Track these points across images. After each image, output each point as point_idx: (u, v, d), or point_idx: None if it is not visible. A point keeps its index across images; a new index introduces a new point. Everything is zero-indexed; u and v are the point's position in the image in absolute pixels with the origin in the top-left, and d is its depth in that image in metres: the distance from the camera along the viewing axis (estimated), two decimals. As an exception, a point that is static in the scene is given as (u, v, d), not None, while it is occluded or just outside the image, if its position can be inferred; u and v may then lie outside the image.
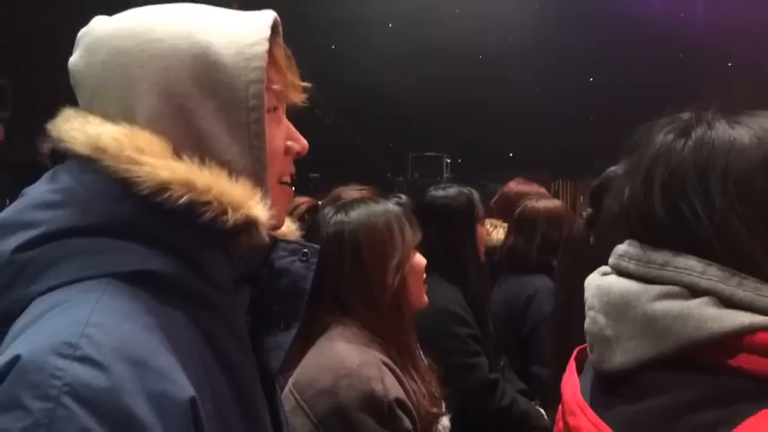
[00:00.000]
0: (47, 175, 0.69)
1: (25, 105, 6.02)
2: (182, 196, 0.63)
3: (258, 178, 0.69)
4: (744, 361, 0.61)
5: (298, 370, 1.23)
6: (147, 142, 0.65)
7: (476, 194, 2.24)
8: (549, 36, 7.50)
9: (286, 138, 0.76)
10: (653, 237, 0.69)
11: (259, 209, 0.67)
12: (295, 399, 1.18)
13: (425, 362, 1.45)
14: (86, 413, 0.53)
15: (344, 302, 1.31)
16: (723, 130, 0.68)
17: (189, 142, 0.67)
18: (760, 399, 0.59)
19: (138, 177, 0.63)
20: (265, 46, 0.69)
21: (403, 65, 7.38)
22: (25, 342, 0.57)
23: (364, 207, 1.40)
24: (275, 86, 0.73)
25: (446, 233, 2.10)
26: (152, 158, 0.64)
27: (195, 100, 0.67)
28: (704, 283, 0.64)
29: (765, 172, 0.65)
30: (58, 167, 0.69)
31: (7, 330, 0.60)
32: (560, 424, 0.79)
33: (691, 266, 0.65)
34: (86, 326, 0.57)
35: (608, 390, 0.71)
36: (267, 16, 0.72)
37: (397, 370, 1.24)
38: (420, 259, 1.42)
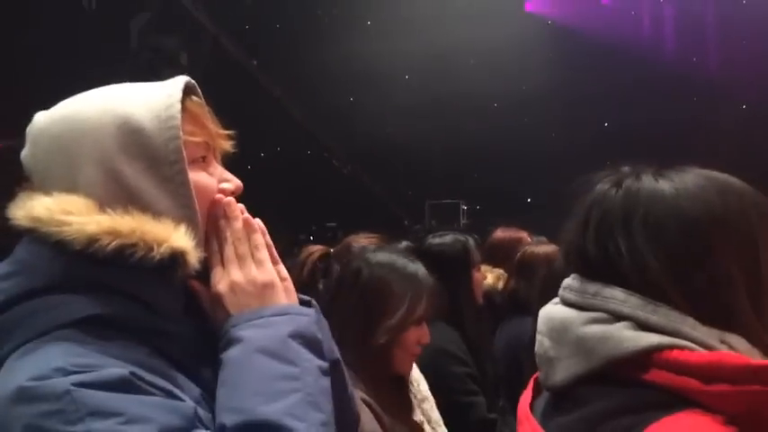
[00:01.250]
0: (11, 254, 0.79)
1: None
2: (110, 243, 0.72)
3: (190, 221, 0.78)
4: (655, 375, 0.70)
5: None
6: (73, 204, 0.75)
7: (471, 241, 2.33)
8: (563, 83, 7.64)
9: (219, 181, 0.84)
10: (588, 271, 0.80)
11: (182, 240, 0.75)
12: None
13: (417, 399, 1.51)
14: (96, 390, 0.65)
15: (341, 336, 1.38)
16: (648, 182, 0.79)
17: (121, 199, 0.76)
18: (666, 408, 0.67)
19: (69, 236, 0.73)
20: (177, 107, 0.79)
21: (420, 115, 7.56)
22: (12, 379, 0.68)
23: (396, 260, 1.45)
24: (197, 138, 0.81)
25: (443, 278, 2.19)
26: (78, 217, 0.73)
27: (123, 163, 0.76)
28: (625, 310, 0.74)
29: (678, 217, 0.76)
30: (16, 247, 0.79)
31: None
32: None
33: (615, 296, 0.75)
34: (62, 356, 0.69)
35: (552, 404, 0.81)
36: (179, 81, 0.82)
37: (375, 406, 1.30)
38: (422, 334, 1.45)
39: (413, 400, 1.77)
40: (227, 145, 0.87)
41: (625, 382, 0.72)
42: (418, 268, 1.46)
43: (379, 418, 1.28)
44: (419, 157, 7.44)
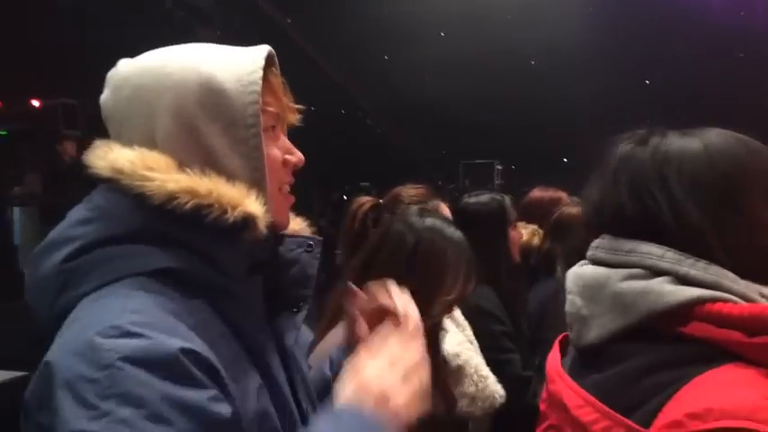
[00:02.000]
0: (86, 198, 0.83)
1: (95, 124, 6.37)
2: (188, 202, 0.76)
3: (258, 184, 0.81)
4: (696, 329, 0.70)
5: (317, 347, 1.31)
6: (156, 161, 0.78)
7: (507, 200, 2.32)
8: (603, 39, 7.44)
9: (284, 152, 0.88)
10: (621, 229, 0.80)
11: (255, 205, 0.79)
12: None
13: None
14: (140, 369, 0.66)
15: None
16: (675, 139, 0.81)
17: (198, 157, 0.79)
18: (708, 361, 0.68)
19: (150, 191, 0.76)
20: (260, 74, 0.82)
21: (455, 73, 7.46)
22: (78, 331, 0.71)
23: (444, 226, 1.39)
24: (271, 109, 0.85)
25: (479, 237, 2.19)
26: (160, 174, 0.77)
27: (202, 121, 0.79)
28: (663, 264, 0.75)
29: (711, 169, 0.77)
30: (92, 192, 0.83)
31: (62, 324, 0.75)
32: (544, 394, 0.90)
33: (652, 252, 0.76)
34: (124, 312, 0.71)
35: (584, 363, 0.82)
36: (262, 50, 0.85)
37: None
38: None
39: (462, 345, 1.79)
40: (296, 119, 0.91)
41: (664, 338, 0.72)
42: (461, 234, 1.41)
43: None
44: (453, 117, 7.37)
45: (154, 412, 0.65)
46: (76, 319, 0.73)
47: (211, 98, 0.80)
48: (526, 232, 2.78)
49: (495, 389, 1.77)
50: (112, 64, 0.86)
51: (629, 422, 0.68)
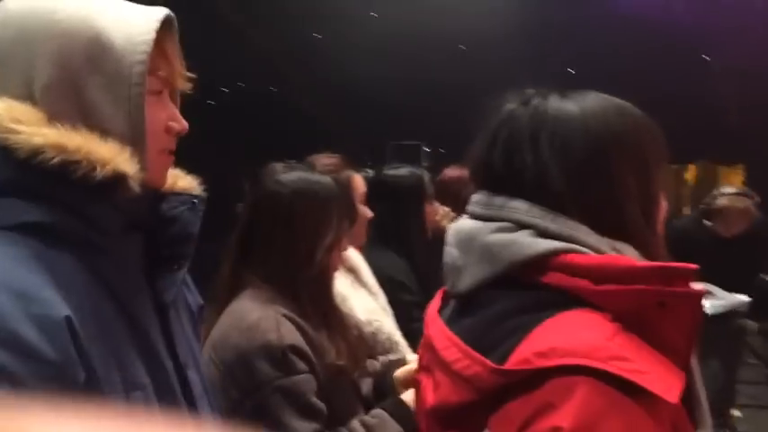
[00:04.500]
0: None
1: None
2: (54, 157, 0.74)
3: (136, 143, 0.80)
4: (551, 278, 0.77)
5: (213, 331, 1.36)
6: (24, 113, 0.76)
7: (426, 175, 2.40)
8: (530, 27, 7.60)
9: (168, 118, 0.87)
10: (494, 186, 0.86)
11: (126, 164, 0.78)
12: (210, 354, 1.33)
13: (349, 323, 1.56)
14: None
15: (270, 264, 1.39)
16: (555, 102, 0.85)
17: (75, 111, 0.78)
18: (561, 306, 0.74)
19: (15, 144, 0.74)
20: (152, 36, 0.81)
21: (384, 54, 7.48)
22: None
23: (307, 177, 1.43)
24: (160, 73, 0.85)
25: (396, 209, 2.26)
26: (27, 127, 0.75)
27: (85, 73, 0.78)
28: (526, 219, 0.81)
29: (583, 133, 0.82)
30: None
31: None
32: (423, 340, 0.96)
33: (519, 207, 0.82)
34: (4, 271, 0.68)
35: (459, 309, 0.88)
36: (159, 12, 0.84)
37: (302, 322, 1.34)
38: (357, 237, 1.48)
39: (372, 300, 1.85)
40: (187, 86, 0.90)
41: (525, 286, 0.79)
42: (326, 178, 1.47)
43: (302, 331, 1.34)
44: (382, 98, 7.40)
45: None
46: None
47: (99, 53, 0.78)
48: (438, 213, 2.85)
49: (405, 353, 1.84)
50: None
51: (485, 360, 0.74)
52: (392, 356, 1.83)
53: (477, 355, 0.76)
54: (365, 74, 7.36)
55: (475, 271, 0.83)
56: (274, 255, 1.39)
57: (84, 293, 0.75)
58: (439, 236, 2.60)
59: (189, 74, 0.90)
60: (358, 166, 2.11)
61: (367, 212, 1.95)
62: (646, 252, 0.81)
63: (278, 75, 7.02)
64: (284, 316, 1.32)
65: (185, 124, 0.89)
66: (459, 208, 2.69)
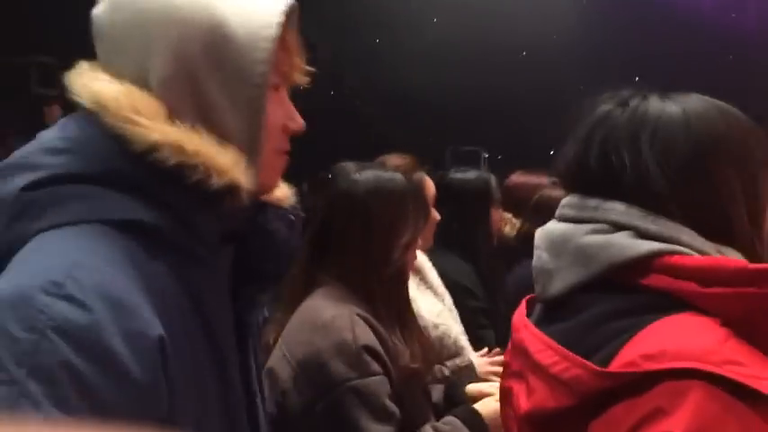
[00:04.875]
0: (59, 122, 0.74)
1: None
2: (171, 158, 0.68)
3: (252, 150, 0.74)
4: (654, 280, 0.73)
5: (288, 325, 1.36)
6: (144, 104, 0.70)
7: (493, 179, 2.36)
8: (594, 33, 7.46)
9: (285, 116, 0.80)
10: (588, 187, 0.83)
11: (242, 176, 0.72)
12: (281, 350, 1.32)
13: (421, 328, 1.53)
14: (67, 346, 0.58)
15: (345, 263, 1.38)
16: (655, 102, 0.82)
17: (192, 108, 0.71)
18: (664, 310, 0.71)
19: (131, 136, 0.68)
20: (276, 30, 0.73)
21: (445, 60, 7.45)
22: (19, 276, 0.63)
23: (381, 174, 1.41)
24: (281, 67, 0.78)
25: (462, 213, 2.23)
26: (146, 120, 0.69)
27: (204, 68, 0.71)
28: (624, 219, 0.77)
29: (686, 134, 0.78)
30: (68, 117, 0.74)
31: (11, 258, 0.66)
32: (509, 346, 0.93)
33: (616, 208, 0.79)
34: (72, 267, 0.63)
35: (549, 314, 0.85)
36: (283, 2, 0.76)
37: (375, 323, 1.32)
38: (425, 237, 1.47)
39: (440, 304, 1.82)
40: (304, 81, 0.83)
41: (624, 289, 0.75)
42: (399, 175, 1.44)
43: (376, 332, 1.32)
44: (442, 103, 7.36)
45: (63, 397, 0.58)
46: (22, 261, 0.65)
47: (218, 45, 0.71)
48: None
49: (472, 359, 1.81)
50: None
51: (587, 362, 0.71)
52: (458, 361, 1.80)
53: (578, 357, 0.73)
54: (424, 79, 7.34)
55: (568, 274, 0.80)
56: (350, 254, 1.37)
57: (174, 306, 0.70)
58: (502, 243, 2.59)
59: (308, 68, 0.83)
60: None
61: (435, 215, 1.93)
62: (751, 256, 0.77)
63: (337, 78, 7.07)
64: (358, 315, 1.31)
65: (302, 122, 0.83)
66: (522, 214, 2.65)
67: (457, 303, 2.05)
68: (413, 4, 7.55)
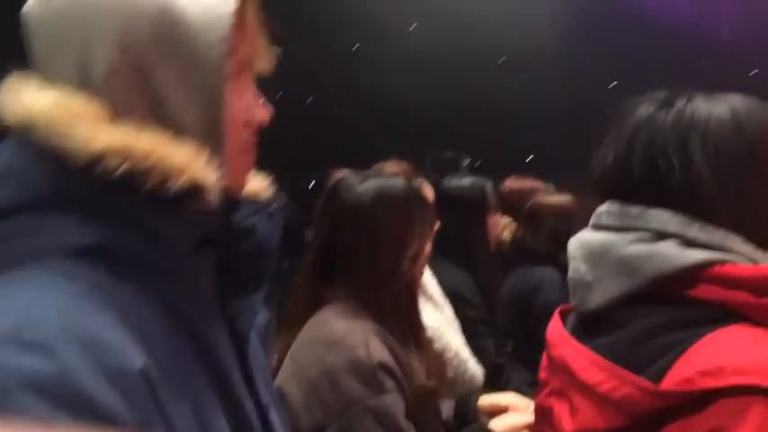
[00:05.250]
0: None
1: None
2: (118, 166, 0.59)
3: (213, 144, 0.65)
4: (704, 291, 0.70)
5: (296, 342, 1.30)
6: (82, 109, 0.61)
7: (489, 186, 2.32)
8: (571, 39, 7.54)
9: (248, 107, 0.72)
10: (630, 193, 0.79)
11: (204, 172, 0.63)
12: (290, 369, 1.27)
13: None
14: (40, 401, 0.50)
15: (353, 279, 1.33)
16: (701, 103, 0.79)
17: (142, 101, 0.63)
18: (716, 321, 0.68)
19: (70, 151, 0.59)
20: (232, 7, 0.65)
21: (423, 66, 7.47)
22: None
23: (384, 183, 1.35)
24: (240, 53, 0.69)
25: (458, 221, 2.20)
26: (86, 127, 0.60)
27: (154, 58, 0.63)
28: (670, 228, 0.74)
29: (737, 135, 0.75)
30: (3, 141, 0.64)
31: None
32: (544, 362, 0.89)
33: (660, 215, 0.75)
34: (30, 311, 0.54)
35: (586, 328, 0.81)
36: None
37: (390, 338, 1.28)
38: (428, 246, 1.42)
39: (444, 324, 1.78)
40: (266, 67, 0.75)
41: (670, 300, 0.72)
42: (402, 182, 1.39)
43: (391, 348, 1.27)
44: (421, 109, 7.38)
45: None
46: None
47: (169, 31, 0.63)
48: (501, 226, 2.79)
49: (475, 372, 1.77)
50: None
51: (638, 379, 0.68)
52: (457, 374, 1.76)
53: (628, 374, 0.69)
54: (403, 84, 7.35)
55: (610, 286, 0.77)
56: (359, 269, 1.32)
57: (157, 332, 0.62)
58: (500, 249, 2.56)
59: (273, 51, 0.75)
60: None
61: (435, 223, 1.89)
62: None
63: (317, 84, 7.04)
64: (372, 331, 1.26)
65: (268, 113, 0.74)
66: (519, 219, 2.64)
67: (455, 314, 2.01)
68: (391, 9, 7.55)
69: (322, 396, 1.21)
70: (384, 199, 1.34)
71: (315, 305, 1.33)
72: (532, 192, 2.77)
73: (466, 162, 6.88)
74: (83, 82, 0.63)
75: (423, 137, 7.42)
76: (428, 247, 1.49)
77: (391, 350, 1.26)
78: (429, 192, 1.90)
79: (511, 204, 2.69)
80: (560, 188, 3.25)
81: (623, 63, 7.26)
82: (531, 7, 7.67)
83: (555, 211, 2.54)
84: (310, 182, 5.64)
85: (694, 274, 0.71)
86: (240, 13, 0.67)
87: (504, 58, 7.63)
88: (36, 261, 0.58)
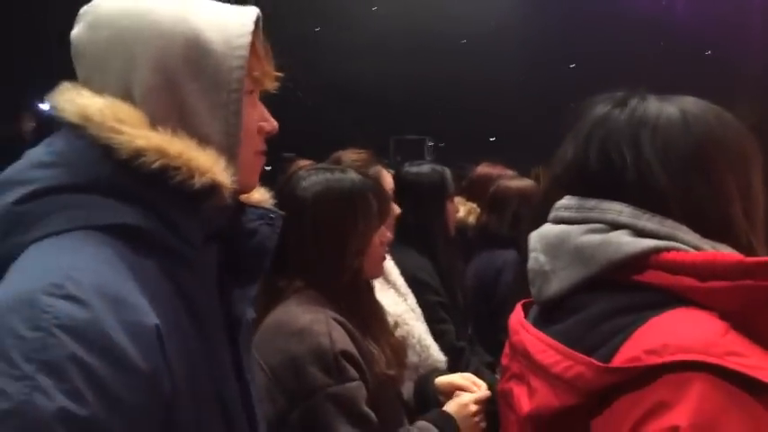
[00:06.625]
0: (46, 140, 0.79)
1: (5, 82, 6.01)
2: (155, 161, 0.74)
3: (230, 151, 0.80)
4: (652, 276, 0.73)
5: (258, 333, 1.30)
6: (127, 114, 0.75)
7: (448, 172, 2.34)
8: (531, 22, 7.59)
9: (259, 119, 0.87)
10: (587, 187, 0.83)
11: (222, 174, 0.77)
12: (255, 356, 1.27)
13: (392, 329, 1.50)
14: (73, 341, 0.63)
15: (304, 271, 1.35)
16: (653, 103, 0.83)
17: (172, 115, 0.77)
18: (664, 306, 0.71)
19: (117, 144, 0.73)
20: (249, 39, 0.80)
21: (386, 49, 7.45)
22: (19, 282, 0.67)
23: (327, 178, 1.37)
24: (254, 73, 0.84)
25: (417, 207, 2.20)
26: (130, 128, 0.74)
27: (184, 77, 0.77)
28: (622, 219, 0.77)
29: (685, 134, 0.79)
30: (54, 134, 0.79)
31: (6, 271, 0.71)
32: (506, 349, 0.92)
33: (613, 207, 0.79)
34: (70, 269, 0.67)
35: (546, 316, 0.84)
36: (252, 12, 0.83)
37: (351, 327, 1.30)
38: (383, 234, 1.44)
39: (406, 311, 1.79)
40: (273, 85, 0.89)
41: (622, 287, 0.75)
42: (351, 175, 1.40)
43: (352, 337, 1.29)
44: (384, 92, 7.37)
45: (73, 388, 0.62)
46: (20, 269, 0.69)
47: (197, 56, 0.78)
48: (464, 209, 2.81)
49: (438, 357, 1.80)
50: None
51: (589, 359, 0.71)
52: (420, 359, 1.78)
53: (580, 354, 0.72)
54: (366, 68, 7.32)
55: (566, 274, 0.80)
56: (308, 263, 1.34)
57: (167, 304, 0.74)
58: (464, 233, 2.58)
59: (277, 73, 0.89)
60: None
61: (396, 209, 1.89)
62: (748, 253, 0.77)
63: (277, 68, 6.97)
64: (335, 320, 1.27)
65: (275, 124, 0.89)
66: (485, 205, 2.65)
67: (417, 298, 2.03)
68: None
69: (285, 384, 1.22)
70: (327, 195, 1.35)
71: (272, 296, 1.34)
72: (498, 177, 2.79)
73: (429, 144, 6.91)
74: (126, 96, 0.77)
75: (386, 119, 7.42)
76: (389, 235, 1.50)
77: (353, 338, 1.28)
78: (388, 179, 1.91)
79: (479, 189, 2.70)
80: (522, 170, 3.29)
81: (584, 44, 7.35)
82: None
83: (518, 194, 2.56)
84: (269, 166, 5.60)
85: (643, 261, 0.74)
86: (252, 42, 0.82)
87: (464, 40, 7.66)
88: (80, 230, 0.71)
